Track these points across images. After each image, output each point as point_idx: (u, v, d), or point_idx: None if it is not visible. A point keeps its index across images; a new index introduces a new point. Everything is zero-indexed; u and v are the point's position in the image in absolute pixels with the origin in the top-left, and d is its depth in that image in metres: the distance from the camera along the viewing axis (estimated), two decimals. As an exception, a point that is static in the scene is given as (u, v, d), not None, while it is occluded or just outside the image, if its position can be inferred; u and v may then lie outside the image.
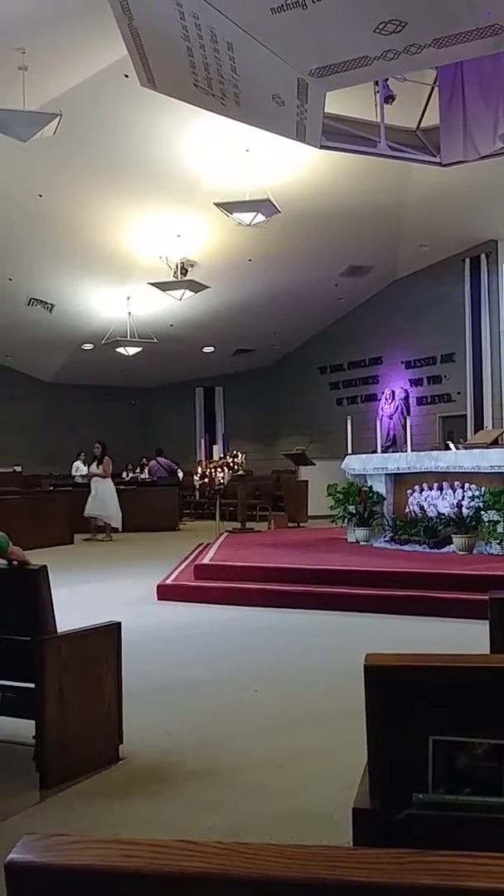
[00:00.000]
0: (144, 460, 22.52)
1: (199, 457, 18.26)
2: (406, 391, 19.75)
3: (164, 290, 16.29)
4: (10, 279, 16.86)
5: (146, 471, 21.95)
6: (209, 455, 17.08)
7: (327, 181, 13.55)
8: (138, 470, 22.63)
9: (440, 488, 10.58)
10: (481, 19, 6.69)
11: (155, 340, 19.16)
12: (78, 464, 21.07)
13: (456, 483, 10.38)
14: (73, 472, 20.99)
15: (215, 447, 17.48)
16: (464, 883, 0.87)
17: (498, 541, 9.55)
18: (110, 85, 10.58)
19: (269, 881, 0.90)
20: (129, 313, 18.65)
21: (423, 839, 1.60)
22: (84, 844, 0.97)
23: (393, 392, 19.94)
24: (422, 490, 10.85)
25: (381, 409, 19.73)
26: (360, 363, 21.14)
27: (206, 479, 15.72)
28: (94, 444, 16.20)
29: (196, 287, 16.25)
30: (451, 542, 10.03)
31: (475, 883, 0.87)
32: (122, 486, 21.01)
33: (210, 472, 15.56)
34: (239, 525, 15.31)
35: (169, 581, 9.76)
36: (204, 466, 15.95)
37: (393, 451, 15.11)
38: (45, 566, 4.10)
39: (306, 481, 17.79)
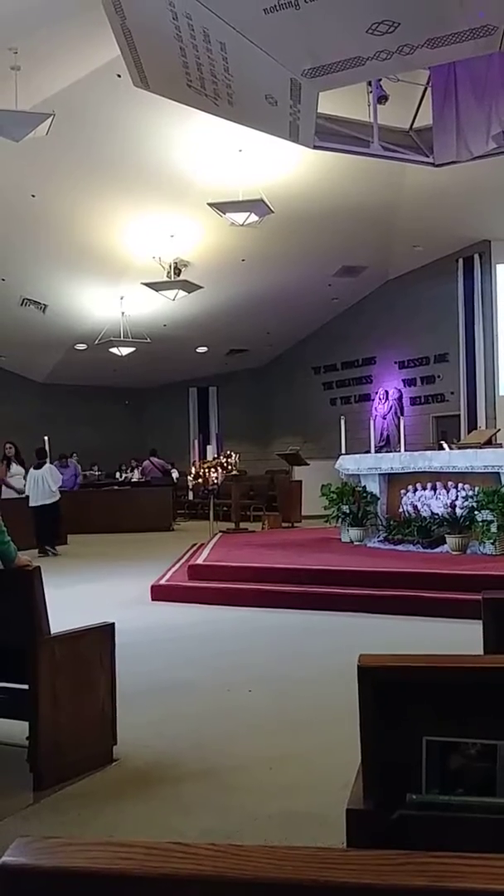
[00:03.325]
0: (134, 461, 22.51)
1: (193, 457, 18.27)
2: (399, 391, 19.75)
3: (157, 291, 16.27)
4: (3, 279, 16.83)
5: (138, 471, 21.94)
6: (203, 455, 17.08)
7: (320, 181, 13.55)
8: (130, 471, 22.62)
9: (434, 488, 10.60)
10: (474, 20, 6.70)
11: (148, 341, 19.14)
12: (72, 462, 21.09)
13: (449, 483, 10.39)
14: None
15: (209, 447, 17.46)
16: (456, 884, 0.87)
17: (491, 541, 9.56)
18: (103, 85, 10.56)
19: (262, 882, 0.90)
20: (123, 313, 18.62)
21: (417, 840, 1.60)
22: (77, 847, 0.97)
23: (386, 392, 19.94)
24: (415, 490, 10.87)
25: (375, 409, 19.73)
26: (354, 363, 21.14)
27: (200, 480, 15.71)
28: (7, 445, 15.52)
29: (189, 287, 16.24)
30: (445, 542, 10.04)
31: (468, 884, 0.87)
32: (116, 487, 21.03)
33: (204, 473, 15.55)
34: (233, 525, 15.31)
35: (163, 581, 9.76)
36: (198, 466, 15.93)
37: (386, 451, 15.11)
38: (39, 567, 4.11)
39: (300, 481, 17.80)
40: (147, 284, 16.13)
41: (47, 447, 15.36)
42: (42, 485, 14.52)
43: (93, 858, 0.94)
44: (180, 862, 0.93)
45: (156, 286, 16.15)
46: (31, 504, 14.37)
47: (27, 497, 14.53)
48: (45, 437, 15.79)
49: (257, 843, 0.95)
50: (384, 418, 19.36)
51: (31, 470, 14.79)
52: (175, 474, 21.35)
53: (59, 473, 15.53)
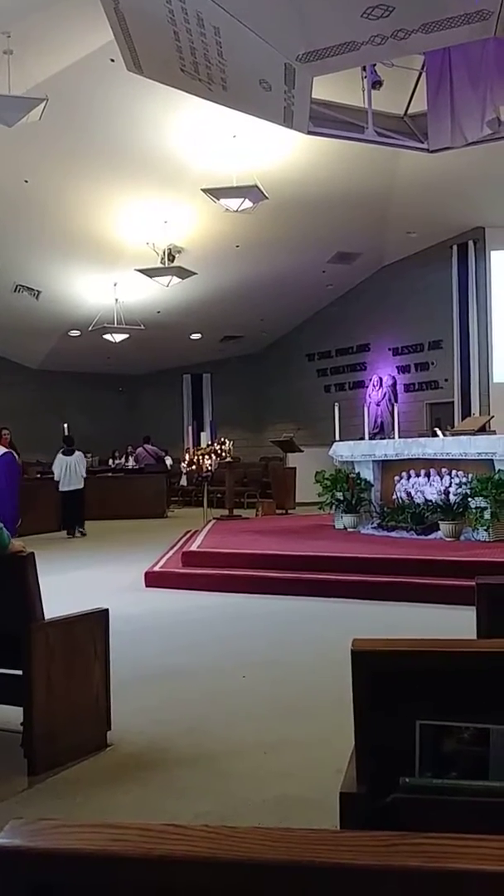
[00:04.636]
0: (130, 448, 22.50)
1: (187, 444, 18.23)
2: (393, 378, 19.75)
3: (151, 277, 16.22)
4: (-4, 265, 16.78)
5: (132, 458, 21.92)
6: (197, 442, 17.05)
7: (315, 167, 13.51)
8: (124, 458, 22.59)
9: (427, 475, 10.61)
10: (469, 4, 6.67)
11: (142, 327, 19.10)
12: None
13: (443, 470, 10.41)
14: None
15: (203, 434, 17.42)
16: (450, 864, 0.88)
17: (485, 527, 9.59)
18: (96, 69, 10.49)
19: (255, 864, 0.91)
20: (116, 300, 18.57)
21: (410, 823, 1.61)
22: (71, 829, 0.98)
23: (380, 379, 19.94)
24: (409, 477, 10.88)
25: (369, 395, 19.73)
26: (348, 350, 21.12)
27: (194, 467, 15.71)
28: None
29: (183, 273, 16.19)
30: (439, 529, 10.07)
31: (461, 865, 0.88)
32: (110, 474, 21.01)
33: (198, 459, 15.54)
34: (227, 512, 15.32)
35: (157, 568, 9.77)
36: (191, 453, 15.93)
37: (380, 438, 15.12)
38: (33, 553, 4.10)
39: (294, 468, 17.79)
40: (141, 271, 16.08)
41: (66, 434, 16.19)
42: (76, 470, 15.50)
43: (87, 840, 0.95)
44: (174, 843, 0.93)
45: (149, 272, 16.10)
46: (64, 488, 15.33)
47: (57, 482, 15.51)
48: (65, 425, 16.65)
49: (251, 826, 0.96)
50: (378, 405, 19.37)
51: (61, 456, 15.64)
52: (169, 461, 21.35)
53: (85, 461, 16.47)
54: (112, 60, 9.66)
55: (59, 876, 0.94)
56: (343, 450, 12.05)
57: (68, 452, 15.64)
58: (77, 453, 15.75)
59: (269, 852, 0.91)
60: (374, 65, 9.37)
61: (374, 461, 11.48)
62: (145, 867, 0.92)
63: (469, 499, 9.77)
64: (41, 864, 0.94)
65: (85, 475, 15.78)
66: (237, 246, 16.65)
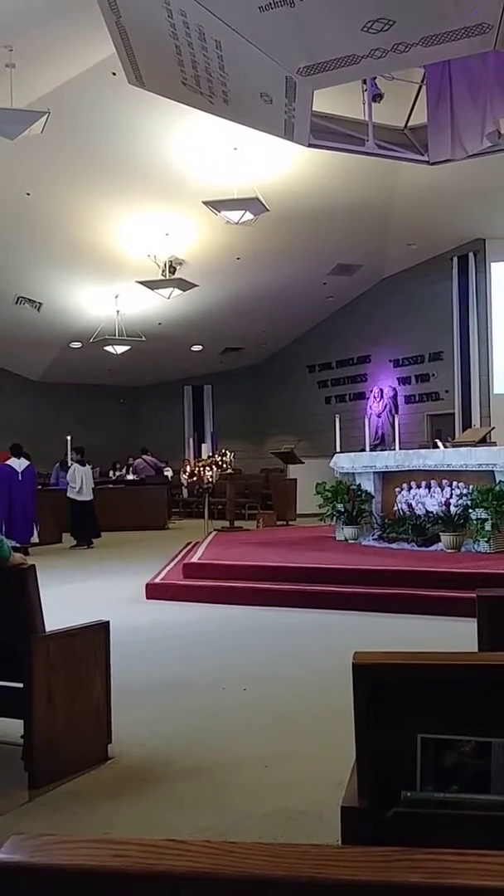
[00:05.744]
0: (130, 459, 22.49)
1: (188, 455, 18.24)
2: (394, 389, 19.76)
3: (152, 289, 16.25)
4: (-2, 277, 16.81)
5: (132, 470, 21.90)
6: (198, 453, 17.06)
7: (315, 179, 13.55)
8: (124, 469, 22.58)
9: (428, 486, 10.60)
10: (469, 18, 6.71)
11: (143, 339, 19.12)
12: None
13: (444, 481, 10.41)
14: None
15: (204, 446, 17.44)
16: (451, 880, 0.87)
17: (486, 539, 9.58)
18: (98, 83, 10.55)
19: (257, 880, 0.90)
20: (118, 312, 18.60)
21: (412, 837, 1.60)
22: (72, 844, 0.97)
23: (381, 390, 19.95)
24: (410, 488, 10.87)
25: (370, 407, 19.74)
26: (349, 361, 21.15)
27: (195, 478, 15.71)
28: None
29: (184, 285, 16.22)
30: (439, 541, 10.06)
31: (462, 880, 0.87)
32: (111, 485, 21.00)
33: (198, 471, 15.54)
34: (227, 524, 15.31)
35: (157, 580, 9.75)
36: (192, 465, 15.93)
37: (381, 450, 15.13)
38: (34, 565, 4.10)
39: (295, 480, 17.79)
40: (142, 283, 16.12)
41: (69, 447, 16.32)
42: (90, 480, 15.96)
43: (88, 856, 0.94)
44: (175, 859, 0.93)
45: (151, 284, 16.14)
46: (85, 498, 15.53)
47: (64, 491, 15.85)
48: (69, 437, 16.57)
49: (252, 841, 0.95)
50: (379, 416, 19.37)
51: (79, 466, 15.79)
52: (168, 472, 21.34)
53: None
54: (114, 74, 9.72)
55: (60, 892, 0.94)
56: (344, 461, 12.05)
57: (82, 462, 15.86)
58: (87, 464, 16.06)
59: (271, 868, 0.91)
60: (375, 78, 9.42)
61: (374, 473, 11.48)
62: (147, 883, 0.91)
63: (470, 510, 9.77)
64: (42, 880, 0.93)
65: (94, 486, 16.12)
66: (238, 258, 16.69)
